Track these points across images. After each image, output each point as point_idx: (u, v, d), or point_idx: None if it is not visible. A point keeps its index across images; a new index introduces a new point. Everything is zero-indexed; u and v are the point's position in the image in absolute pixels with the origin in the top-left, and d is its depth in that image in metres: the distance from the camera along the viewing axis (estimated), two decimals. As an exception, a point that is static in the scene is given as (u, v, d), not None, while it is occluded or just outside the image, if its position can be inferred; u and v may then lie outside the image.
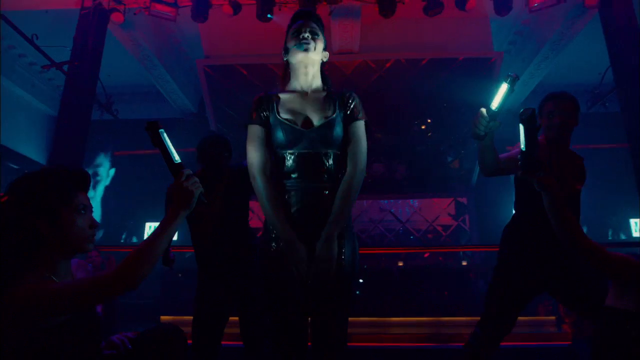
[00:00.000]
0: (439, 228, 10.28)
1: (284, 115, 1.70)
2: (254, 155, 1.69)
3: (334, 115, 1.70)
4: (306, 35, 1.72)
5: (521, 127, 1.58)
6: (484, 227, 9.13)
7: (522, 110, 1.58)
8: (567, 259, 2.07)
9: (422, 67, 7.49)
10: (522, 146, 1.60)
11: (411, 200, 10.65)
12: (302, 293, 1.59)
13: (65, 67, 5.49)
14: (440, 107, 8.26)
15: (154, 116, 9.55)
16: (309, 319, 1.65)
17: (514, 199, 2.24)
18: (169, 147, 1.40)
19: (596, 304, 1.86)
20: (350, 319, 1.67)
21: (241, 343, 2.46)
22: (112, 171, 10.02)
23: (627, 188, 7.47)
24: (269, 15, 5.75)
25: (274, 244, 1.63)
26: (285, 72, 1.85)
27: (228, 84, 7.66)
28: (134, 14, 5.87)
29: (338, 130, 1.68)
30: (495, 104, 1.74)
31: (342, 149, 1.70)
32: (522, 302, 2.11)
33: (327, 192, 1.64)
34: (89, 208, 1.34)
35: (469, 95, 7.86)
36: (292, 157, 1.65)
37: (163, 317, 5.75)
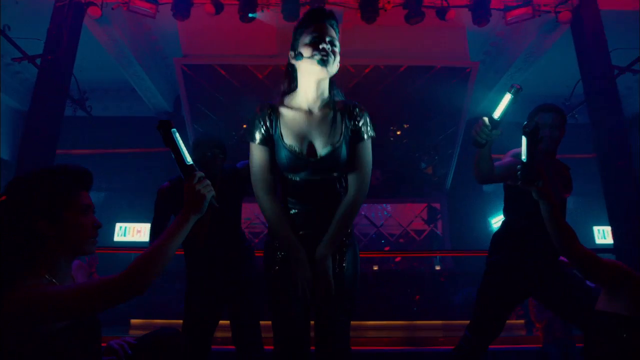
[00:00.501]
0: (412, 233, 10.44)
1: (288, 141, 1.60)
2: (258, 174, 1.61)
3: (341, 140, 1.61)
4: (326, 46, 1.53)
5: (524, 139, 1.63)
6: (456, 232, 9.31)
7: (525, 123, 1.62)
8: (557, 264, 2.15)
9: (401, 73, 7.61)
10: (524, 157, 1.64)
11: (385, 205, 10.77)
12: (306, 300, 1.60)
13: (38, 61, 5.29)
14: (416, 113, 8.41)
15: (127, 114, 9.34)
16: (312, 323, 1.64)
17: (502, 206, 2.30)
18: (180, 148, 1.34)
19: (583, 308, 1.94)
20: None
21: (232, 347, 2.42)
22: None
23: (592, 197, 7.79)
24: (250, 15, 5.71)
25: (280, 252, 1.63)
26: (290, 76, 1.68)
27: (206, 83, 7.57)
28: (112, 8, 5.72)
29: (344, 154, 1.61)
30: (497, 113, 1.78)
31: (346, 167, 1.65)
32: (513, 306, 2.18)
33: (328, 212, 1.62)
34: (91, 208, 1.29)
35: (444, 103, 8.06)
36: (296, 181, 1.62)
37: (133, 321, 5.61)
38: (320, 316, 1.61)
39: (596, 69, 5.51)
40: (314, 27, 1.55)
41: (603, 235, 9.33)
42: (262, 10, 5.59)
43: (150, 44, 7.72)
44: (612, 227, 5.19)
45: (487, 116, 1.79)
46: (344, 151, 1.60)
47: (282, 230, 1.57)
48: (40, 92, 5.13)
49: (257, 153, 1.61)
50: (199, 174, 1.34)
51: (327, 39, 1.54)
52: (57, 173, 1.24)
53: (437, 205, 10.11)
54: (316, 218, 1.62)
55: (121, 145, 9.04)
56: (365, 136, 1.65)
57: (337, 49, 1.58)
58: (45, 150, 5.00)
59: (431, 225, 10.42)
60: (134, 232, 9.11)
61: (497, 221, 9.84)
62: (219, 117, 8.24)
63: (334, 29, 1.58)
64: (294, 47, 1.61)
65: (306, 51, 1.54)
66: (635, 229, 4.75)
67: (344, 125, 1.62)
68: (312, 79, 1.58)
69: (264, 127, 1.61)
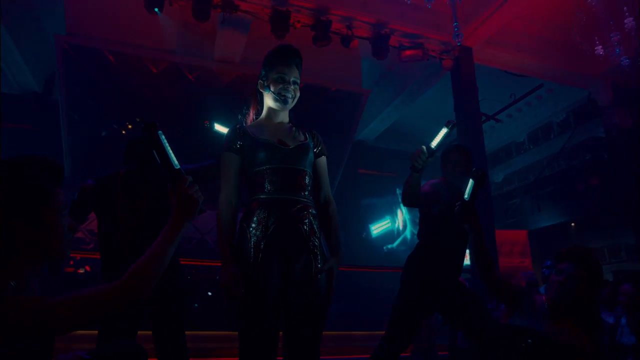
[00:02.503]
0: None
1: (263, 137, 1.77)
2: (225, 184, 1.73)
3: (307, 141, 1.83)
4: (290, 88, 1.78)
5: (471, 181, 1.89)
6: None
7: (474, 168, 1.89)
8: (459, 284, 2.46)
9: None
10: (466, 196, 1.90)
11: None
12: (278, 307, 1.61)
13: None
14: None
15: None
16: (281, 333, 1.64)
17: (417, 230, 2.57)
18: (168, 151, 1.25)
19: (482, 322, 2.25)
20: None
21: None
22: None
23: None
24: (155, 10, 5.43)
25: (253, 253, 1.61)
26: (258, 100, 1.92)
27: (90, 68, 6.89)
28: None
29: (311, 156, 1.82)
30: (434, 143, 2.02)
31: (311, 169, 1.81)
32: (423, 319, 2.43)
33: (300, 206, 1.69)
34: (66, 207, 1.15)
35: (334, 123, 8.48)
36: (272, 171, 1.71)
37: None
38: (294, 327, 1.63)
39: (468, 112, 6.37)
40: (281, 66, 1.79)
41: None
42: (171, 4, 5.33)
43: (27, 14, 6.78)
44: (470, 250, 5.99)
45: (425, 145, 2.01)
46: (310, 153, 1.81)
47: (226, 246, 1.64)
48: None
49: (230, 159, 1.76)
50: (189, 178, 1.28)
51: (292, 80, 1.79)
52: (30, 166, 1.08)
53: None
54: (289, 211, 1.67)
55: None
56: (326, 153, 1.92)
57: (297, 87, 1.84)
58: None
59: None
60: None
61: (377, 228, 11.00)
62: (99, 105, 7.55)
63: (298, 68, 1.82)
64: (264, 77, 1.83)
65: (273, 87, 1.79)
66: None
67: (307, 137, 1.86)
68: (274, 108, 1.84)
69: (238, 139, 1.77)
